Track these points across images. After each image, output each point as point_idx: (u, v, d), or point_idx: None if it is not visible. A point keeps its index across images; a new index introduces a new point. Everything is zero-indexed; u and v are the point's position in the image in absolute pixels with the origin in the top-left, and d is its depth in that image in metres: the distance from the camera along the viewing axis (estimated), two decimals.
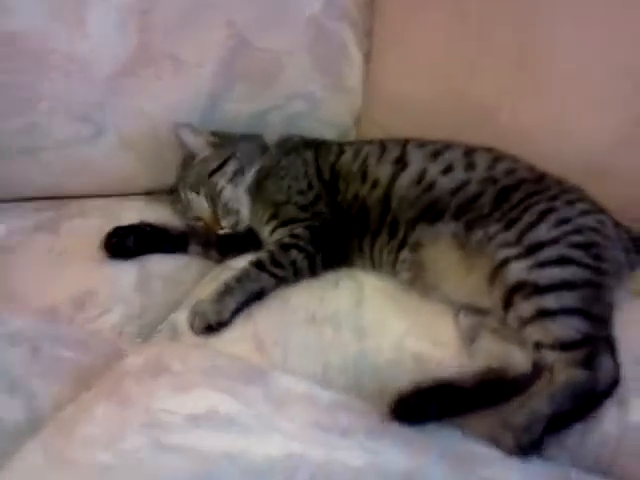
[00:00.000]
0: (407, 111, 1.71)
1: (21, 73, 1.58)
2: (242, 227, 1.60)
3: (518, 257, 1.23)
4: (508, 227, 1.29)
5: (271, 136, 1.71)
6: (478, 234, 1.31)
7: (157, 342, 1.35)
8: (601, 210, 1.38)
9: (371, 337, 1.29)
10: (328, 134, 1.79)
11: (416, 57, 1.70)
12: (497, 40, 1.56)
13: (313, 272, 1.44)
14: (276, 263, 1.40)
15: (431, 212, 1.40)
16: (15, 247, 1.55)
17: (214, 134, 1.66)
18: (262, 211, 1.57)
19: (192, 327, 1.33)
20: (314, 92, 1.76)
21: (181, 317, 1.38)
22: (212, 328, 1.32)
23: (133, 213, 1.64)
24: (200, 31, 1.66)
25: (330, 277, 1.44)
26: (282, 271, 1.40)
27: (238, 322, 1.34)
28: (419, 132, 1.58)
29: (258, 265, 1.40)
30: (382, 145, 1.56)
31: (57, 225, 1.62)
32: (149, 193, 1.75)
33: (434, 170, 1.45)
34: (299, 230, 1.47)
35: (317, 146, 1.66)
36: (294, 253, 1.43)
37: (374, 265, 1.47)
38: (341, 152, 1.61)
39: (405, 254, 1.39)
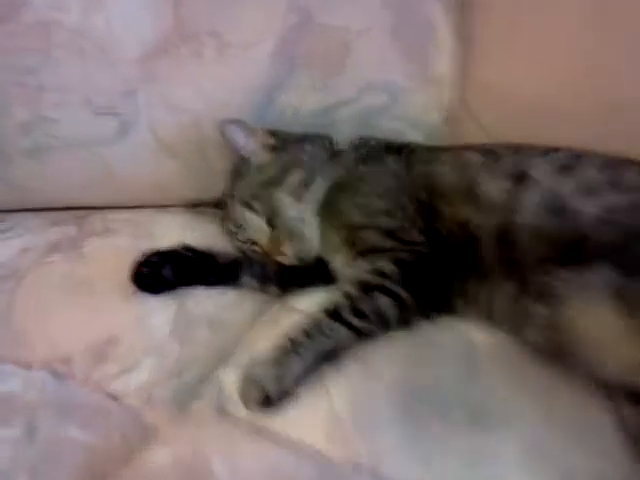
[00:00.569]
0: (514, 108, 1.33)
1: (24, 54, 1.26)
2: (309, 255, 1.26)
3: None
4: None
5: (343, 138, 1.37)
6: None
7: (197, 417, 1.02)
8: None
9: (492, 428, 0.93)
10: (411, 135, 1.43)
11: (528, 43, 1.34)
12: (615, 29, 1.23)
13: (405, 323, 1.09)
14: (356, 311, 1.06)
15: (572, 252, 1.02)
16: (26, 272, 1.24)
17: (272, 134, 1.32)
18: (334, 235, 1.23)
19: (244, 400, 1.00)
20: (395, 82, 1.40)
21: (229, 379, 1.05)
22: (271, 400, 0.98)
23: (171, 232, 1.32)
24: (252, 3, 1.32)
25: (426, 330, 1.10)
26: (364, 322, 1.06)
27: (305, 393, 1.00)
28: (530, 135, 1.25)
29: (333, 314, 1.06)
30: (490, 152, 1.21)
31: (78, 245, 1.30)
32: (191, 206, 1.41)
33: (568, 189, 1.08)
34: (385, 265, 1.12)
35: (405, 151, 1.30)
36: (380, 297, 1.08)
37: (484, 315, 1.11)
38: (436, 160, 1.25)
39: (536, 308, 1.02)
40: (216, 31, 1.31)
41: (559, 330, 0.99)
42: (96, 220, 1.36)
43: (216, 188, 1.36)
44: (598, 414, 0.93)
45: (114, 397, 1.05)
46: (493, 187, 1.13)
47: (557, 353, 1.00)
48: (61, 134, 1.31)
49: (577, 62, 1.27)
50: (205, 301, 1.21)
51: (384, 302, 1.08)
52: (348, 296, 1.08)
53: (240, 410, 0.99)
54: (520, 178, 1.11)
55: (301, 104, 1.39)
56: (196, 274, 1.22)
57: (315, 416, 0.97)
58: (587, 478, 0.87)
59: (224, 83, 1.35)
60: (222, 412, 1.01)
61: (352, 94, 1.39)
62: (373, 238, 1.18)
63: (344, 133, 1.39)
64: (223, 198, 1.33)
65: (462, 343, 1.06)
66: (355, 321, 1.05)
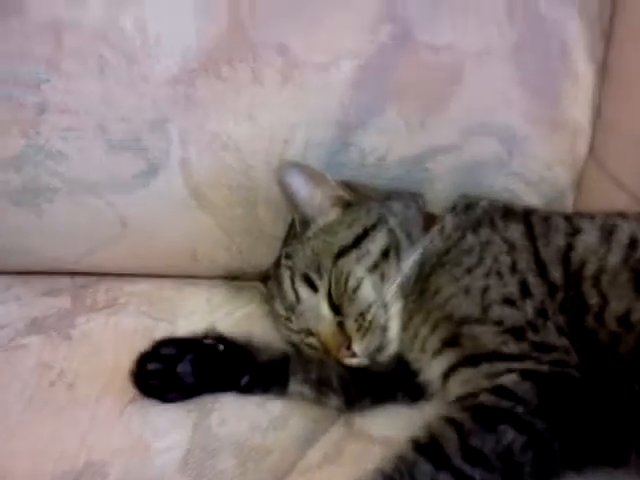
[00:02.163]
0: None
1: (23, 62, 0.94)
2: (387, 356, 0.87)
3: None
4: None
5: (438, 197, 1.00)
6: None
7: None
8: None
9: None
10: (528, 198, 1.07)
11: None
12: None
13: (543, 477, 0.69)
14: (470, 452, 0.68)
15: None
16: None
17: (346, 186, 0.95)
18: (429, 332, 0.84)
19: None
20: (512, 125, 1.04)
21: None
22: None
23: (198, 311, 0.96)
24: (331, 7, 0.98)
25: None
26: (484, 472, 0.67)
27: None
28: None
29: (432, 453, 0.68)
30: None
31: (68, 323, 0.95)
32: (228, 278, 1.04)
33: None
34: (512, 381, 0.73)
35: (528, 217, 0.93)
36: (508, 432, 0.69)
37: None
38: (575, 230, 0.88)
39: None
40: (284, 45, 0.97)
41: None
42: (100, 291, 1.01)
43: (263, 256, 1.00)
44: None
45: None
46: None
47: None
48: (65, 173, 0.97)
49: None
50: (234, 415, 0.83)
51: (515, 439, 0.69)
52: (456, 426, 0.70)
53: None
54: None
55: (387, 150, 1.03)
56: (226, 375, 0.84)
57: None
58: None
59: (285, 116, 1.00)
60: None
61: (455, 139, 1.04)
62: (491, 338, 0.79)
63: (440, 191, 1.04)
64: (271, 269, 0.96)
65: None
66: (467, 469, 0.66)
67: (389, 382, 0.88)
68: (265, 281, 0.98)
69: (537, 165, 1.06)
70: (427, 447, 0.69)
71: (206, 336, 0.86)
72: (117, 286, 1.03)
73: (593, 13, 1.04)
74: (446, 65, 1.01)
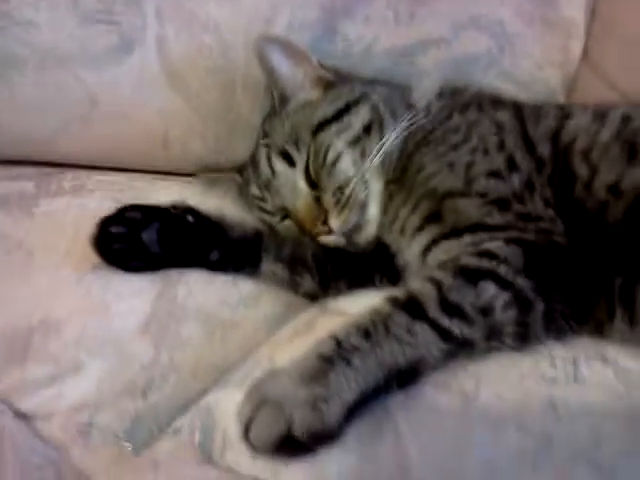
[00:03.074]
0: None
1: None
2: (367, 236, 0.83)
3: None
4: None
5: (425, 89, 0.94)
6: None
7: (164, 466, 0.57)
8: None
9: None
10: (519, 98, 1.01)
11: None
12: None
13: (524, 338, 0.66)
14: (449, 306, 0.64)
15: None
16: None
17: (329, 67, 0.91)
18: (410, 209, 0.80)
19: (253, 439, 0.56)
20: (505, 21, 1.00)
21: (226, 405, 0.62)
22: (298, 442, 0.54)
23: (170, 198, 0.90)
24: None
25: (551, 352, 0.65)
26: (462, 324, 0.62)
27: (361, 438, 0.55)
28: None
29: (410, 307, 0.64)
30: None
31: (31, 203, 0.89)
32: (204, 171, 0.99)
33: None
34: (497, 246, 0.69)
35: (517, 104, 0.89)
36: (489, 288, 0.65)
37: None
38: (566, 115, 0.84)
39: None
40: None
41: None
42: (65, 179, 0.95)
43: (239, 149, 0.95)
44: None
45: (24, 417, 0.61)
46: None
47: None
48: (34, 42, 0.91)
49: None
50: (203, 289, 0.77)
51: (496, 296, 0.65)
52: (435, 282, 0.66)
53: (241, 458, 0.55)
54: None
55: (374, 40, 0.98)
56: (195, 248, 0.80)
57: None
58: None
59: None
60: (208, 460, 0.56)
61: (446, 32, 1.00)
62: (475, 211, 0.75)
63: (427, 86, 0.97)
64: (249, 159, 0.91)
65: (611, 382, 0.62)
66: (446, 322, 0.63)
67: (366, 265, 0.83)
68: (242, 172, 0.93)
69: (528, 64, 1.02)
70: (404, 301, 0.64)
71: (175, 206, 0.81)
72: (85, 175, 0.97)
73: None
74: None
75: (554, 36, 1.02)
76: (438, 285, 0.65)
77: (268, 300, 0.81)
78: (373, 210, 0.82)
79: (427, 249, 0.76)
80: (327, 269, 0.83)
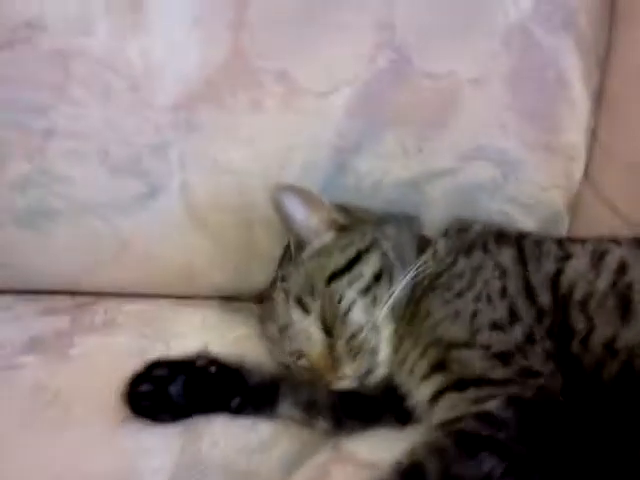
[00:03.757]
0: None
1: (31, 88, 0.96)
2: (376, 378, 0.88)
3: None
4: None
5: (433, 221, 1.01)
6: None
7: None
8: None
9: None
10: (523, 222, 1.08)
11: None
12: None
13: None
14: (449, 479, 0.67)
15: None
16: None
17: (341, 209, 0.97)
18: (418, 355, 0.84)
19: None
20: (509, 150, 1.05)
21: None
22: None
23: (193, 331, 0.98)
24: (331, 35, 1.00)
25: None
26: None
27: None
28: None
29: (412, 476, 0.68)
30: None
31: (66, 342, 0.96)
32: (224, 299, 1.06)
33: None
34: (496, 406, 0.73)
35: (526, 242, 0.93)
36: (488, 460, 0.69)
37: None
38: (566, 255, 0.88)
39: None
40: (284, 72, 0.99)
41: None
42: (99, 310, 1.02)
43: (259, 277, 1.01)
44: None
45: None
46: None
47: None
48: (69, 195, 0.99)
49: None
50: (227, 435, 0.83)
51: (495, 467, 0.68)
52: (438, 452, 0.70)
53: None
54: None
55: (384, 174, 1.04)
56: (217, 397, 0.86)
57: None
58: None
59: (283, 141, 1.02)
60: None
61: (451, 163, 1.05)
62: (478, 363, 0.79)
63: (435, 215, 1.05)
64: (266, 291, 0.97)
65: None
66: None
67: (378, 405, 0.88)
68: (260, 302, 0.99)
69: (532, 189, 1.07)
70: (409, 472, 0.68)
71: (198, 358, 0.87)
72: (115, 306, 1.04)
73: (589, 41, 1.05)
74: (443, 91, 1.02)
75: (556, 161, 1.07)
76: (441, 455, 0.69)
77: (285, 441, 0.85)
78: (384, 354, 0.87)
79: (434, 398, 0.80)
80: (340, 411, 0.88)
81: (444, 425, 0.74)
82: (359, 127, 1.02)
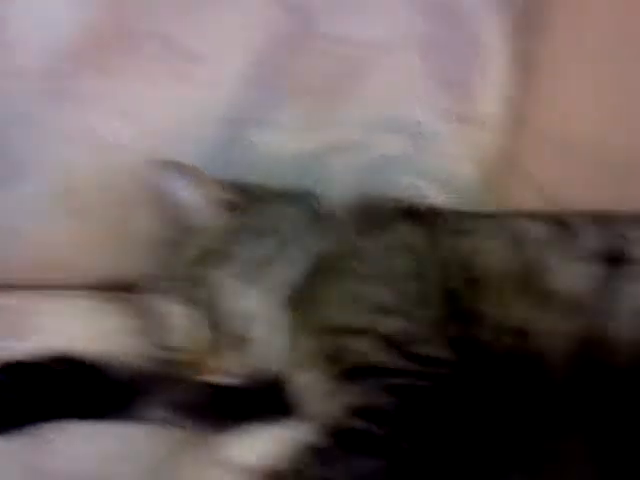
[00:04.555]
0: (590, 164, 0.95)
1: None
2: (262, 372, 0.78)
3: None
4: None
5: (337, 197, 0.91)
6: None
7: None
8: None
9: None
10: (437, 198, 1.00)
11: (614, 82, 0.97)
12: None
13: None
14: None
15: None
16: None
17: (234, 187, 0.86)
18: (309, 342, 0.76)
19: None
20: (420, 121, 0.97)
21: None
22: None
23: (59, 326, 0.87)
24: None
25: None
26: None
27: None
28: (611, 201, 0.87)
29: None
30: (561, 222, 0.80)
31: None
32: (94, 289, 0.95)
33: None
34: (381, 399, 0.67)
35: (430, 218, 0.86)
36: (360, 459, 0.63)
37: None
38: (477, 231, 0.81)
39: None
40: (168, 33, 0.90)
41: None
42: None
43: (137, 264, 0.89)
44: None
45: None
46: (570, 276, 0.73)
47: None
48: None
49: None
50: (76, 445, 0.72)
51: (374, 466, 0.63)
52: (316, 454, 0.63)
53: None
54: (615, 260, 0.71)
55: (283, 148, 0.95)
56: (69, 399, 0.75)
57: None
58: None
59: (172, 112, 0.92)
60: None
61: (358, 136, 0.97)
62: (369, 351, 0.71)
63: (340, 192, 0.95)
64: (143, 279, 0.87)
65: None
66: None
67: (258, 402, 0.79)
68: (134, 291, 0.88)
69: (446, 162, 0.99)
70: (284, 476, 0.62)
71: (48, 356, 0.76)
72: None
73: (510, 5, 0.98)
74: (349, 58, 0.94)
75: (471, 133, 0.99)
76: (320, 456, 0.62)
77: (150, 445, 0.75)
78: (273, 345, 0.78)
79: (322, 390, 0.72)
80: (216, 409, 0.79)
81: (328, 421, 0.67)
82: (255, 98, 0.93)
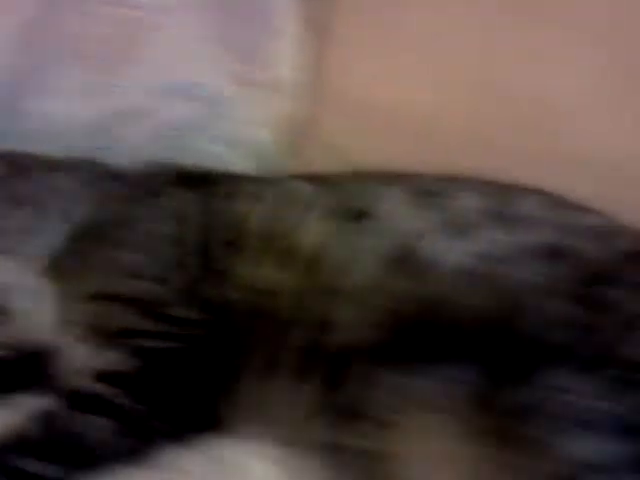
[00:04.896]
0: (382, 126, 0.97)
1: None
2: (28, 342, 0.76)
3: None
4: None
5: (128, 165, 0.90)
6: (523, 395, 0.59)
7: None
8: None
9: None
10: (235, 162, 0.99)
11: (405, 44, 1.00)
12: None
13: (135, 454, 0.65)
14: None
15: (419, 335, 0.65)
16: None
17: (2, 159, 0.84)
18: (76, 312, 0.74)
19: None
20: (211, 85, 0.97)
21: None
22: None
23: None
24: None
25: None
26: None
27: None
28: (404, 163, 0.88)
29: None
30: (327, 182, 0.83)
31: None
32: None
33: (428, 226, 0.71)
34: (121, 361, 0.68)
35: (204, 183, 0.85)
36: (91, 420, 0.64)
37: (270, 434, 0.68)
38: (241, 194, 0.82)
39: (354, 427, 0.65)
40: None
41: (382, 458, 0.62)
42: None
43: None
44: None
45: None
46: (313, 230, 0.73)
47: None
48: None
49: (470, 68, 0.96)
50: None
51: (95, 427, 0.64)
52: (47, 418, 0.65)
53: None
54: (359, 215, 0.74)
55: (64, 116, 0.93)
56: None
57: None
58: None
59: None
60: None
61: (146, 101, 0.95)
62: (119, 315, 0.72)
63: (134, 158, 0.93)
64: None
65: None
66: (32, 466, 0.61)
67: (17, 373, 0.77)
68: None
69: (240, 127, 0.99)
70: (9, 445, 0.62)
71: None
72: None
73: None
74: (126, 21, 0.92)
75: (265, 98, 0.99)
76: (50, 420, 0.63)
77: None
78: (33, 314, 0.76)
79: (81, 354, 0.71)
80: None
81: (66, 386, 0.68)
82: (28, 64, 0.90)
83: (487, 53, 0.97)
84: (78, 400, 0.64)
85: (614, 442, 0.57)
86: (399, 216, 0.73)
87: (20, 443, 0.62)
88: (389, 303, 0.67)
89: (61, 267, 0.78)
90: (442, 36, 0.98)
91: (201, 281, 0.74)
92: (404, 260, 0.69)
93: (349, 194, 0.78)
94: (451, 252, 0.69)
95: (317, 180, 0.83)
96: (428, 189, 0.77)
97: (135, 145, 0.96)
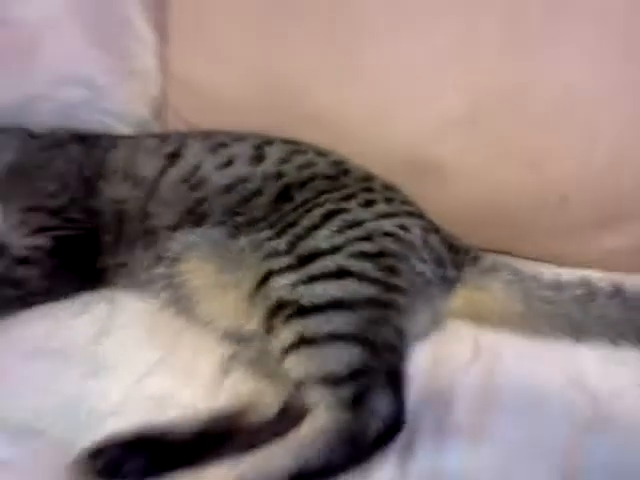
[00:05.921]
0: (213, 100, 1.37)
1: None
2: None
3: (285, 270, 0.96)
4: (281, 233, 1.01)
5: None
6: (242, 241, 1.03)
7: None
8: (414, 213, 1.12)
9: (101, 377, 0.99)
10: (121, 129, 1.45)
11: (220, 35, 1.36)
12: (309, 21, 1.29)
13: (53, 293, 1.12)
14: (6, 280, 1.09)
15: (194, 216, 1.12)
16: None
17: None
18: (12, 219, 1.22)
19: None
20: (92, 75, 1.42)
21: None
22: None
23: None
24: None
25: (80, 300, 1.14)
26: (11, 290, 1.08)
27: None
28: (231, 125, 1.31)
29: None
30: (162, 138, 1.31)
31: None
32: None
33: (209, 165, 1.18)
34: (42, 240, 1.15)
35: (91, 141, 1.33)
36: (28, 268, 1.11)
37: (134, 284, 1.16)
38: (113, 146, 1.30)
39: (160, 269, 1.09)
40: None
41: (179, 286, 1.08)
42: None
43: None
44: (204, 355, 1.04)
45: None
46: (147, 166, 1.22)
47: (181, 308, 1.09)
48: None
49: (265, 54, 1.31)
50: None
51: (32, 272, 1.11)
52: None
53: None
54: (173, 156, 1.21)
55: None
56: None
57: None
58: None
59: None
60: None
61: (47, 89, 1.40)
62: (41, 219, 1.19)
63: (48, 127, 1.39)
64: None
65: (106, 309, 1.13)
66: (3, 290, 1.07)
67: None
68: None
69: (120, 104, 1.43)
70: None
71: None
72: None
73: None
74: (27, 33, 1.35)
75: (134, 82, 1.43)
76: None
77: None
78: None
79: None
80: None
81: (13, 254, 1.14)
82: None
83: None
84: (18, 260, 1.11)
85: None
86: (196, 156, 1.20)
87: None
88: (181, 202, 1.15)
89: (2, 191, 1.24)
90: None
91: (86, 197, 1.22)
92: (194, 180, 1.17)
93: (173, 144, 1.24)
94: (220, 176, 1.16)
95: (160, 137, 1.30)
96: (220, 141, 1.22)
97: (48, 119, 1.39)
